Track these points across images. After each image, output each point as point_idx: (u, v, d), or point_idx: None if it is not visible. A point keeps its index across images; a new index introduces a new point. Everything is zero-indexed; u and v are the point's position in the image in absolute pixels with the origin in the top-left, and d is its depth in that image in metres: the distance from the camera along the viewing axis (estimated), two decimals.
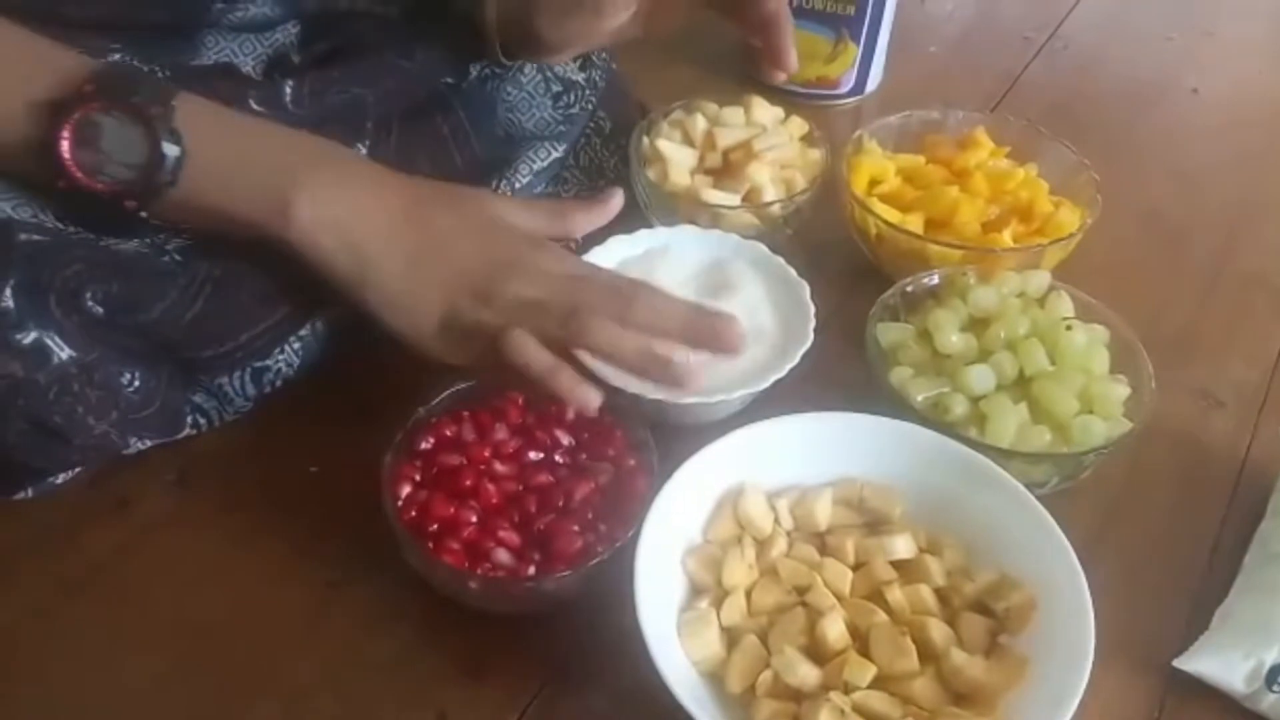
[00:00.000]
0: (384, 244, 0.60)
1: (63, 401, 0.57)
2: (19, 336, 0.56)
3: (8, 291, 0.55)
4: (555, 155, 0.77)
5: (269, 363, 0.64)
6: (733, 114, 0.83)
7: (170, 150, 0.56)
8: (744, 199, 0.78)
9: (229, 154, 0.59)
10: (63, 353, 0.57)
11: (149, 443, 0.63)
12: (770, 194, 0.78)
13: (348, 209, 0.59)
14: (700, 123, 0.81)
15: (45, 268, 0.57)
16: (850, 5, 0.93)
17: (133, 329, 0.60)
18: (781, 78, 0.75)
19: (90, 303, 0.58)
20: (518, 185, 0.74)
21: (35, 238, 0.58)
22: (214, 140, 0.58)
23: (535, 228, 0.64)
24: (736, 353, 0.59)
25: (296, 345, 0.65)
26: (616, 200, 0.67)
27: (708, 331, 0.59)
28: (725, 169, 0.80)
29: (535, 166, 0.75)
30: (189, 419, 0.65)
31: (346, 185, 0.60)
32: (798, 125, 0.84)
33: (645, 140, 0.81)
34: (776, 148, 0.80)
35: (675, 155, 0.79)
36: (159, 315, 0.60)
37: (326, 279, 0.60)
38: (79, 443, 0.59)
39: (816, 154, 0.82)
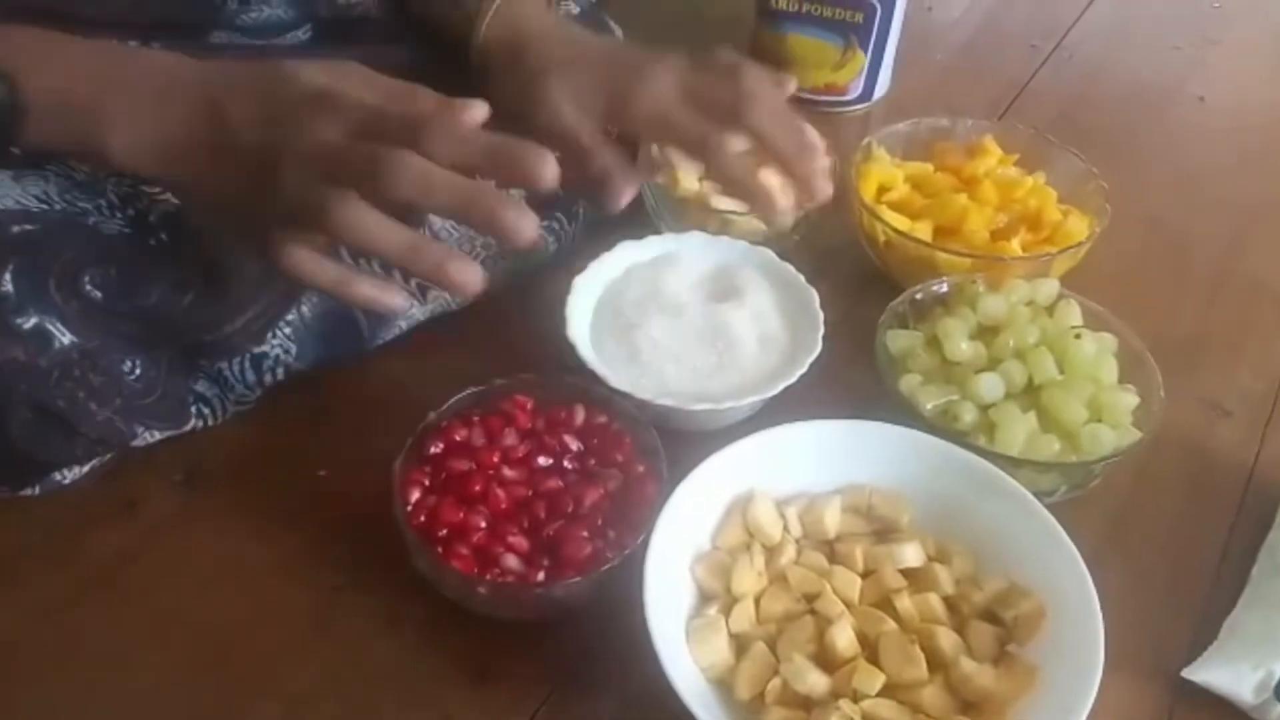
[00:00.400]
0: (191, 160, 0.56)
1: (64, 387, 0.57)
2: (19, 321, 0.56)
3: (7, 276, 0.56)
4: None
5: (266, 349, 0.65)
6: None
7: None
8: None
9: (55, 91, 0.56)
10: (64, 338, 0.58)
11: (156, 434, 0.63)
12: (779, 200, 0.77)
13: (155, 133, 0.56)
14: None
15: (42, 254, 0.58)
16: (859, 13, 0.93)
17: (132, 314, 0.60)
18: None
19: (89, 287, 0.59)
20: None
21: (27, 227, 0.58)
22: (42, 77, 0.55)
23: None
24: (547, 184, 0.51)
25: (288, 330, 0.65)
26: (477, 110, 0.54)
27: (509, 158, 0.52)
28: None
29: None
30: (193, 408, 0.65)
31: (160, 105, 0.56)
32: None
33: (654, 146, 0.81)
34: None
35: (684, 161, 0.79)
36: (156, 300, 0.61)
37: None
38: (84, 431, 0.59)
39: (825, 161, 0.82)
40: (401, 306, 0.55)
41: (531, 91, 0.69)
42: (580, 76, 0.69)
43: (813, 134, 0.71)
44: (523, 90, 0.70)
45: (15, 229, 0.57)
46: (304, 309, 0.66)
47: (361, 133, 0.52)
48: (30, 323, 0.56)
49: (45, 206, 0.60)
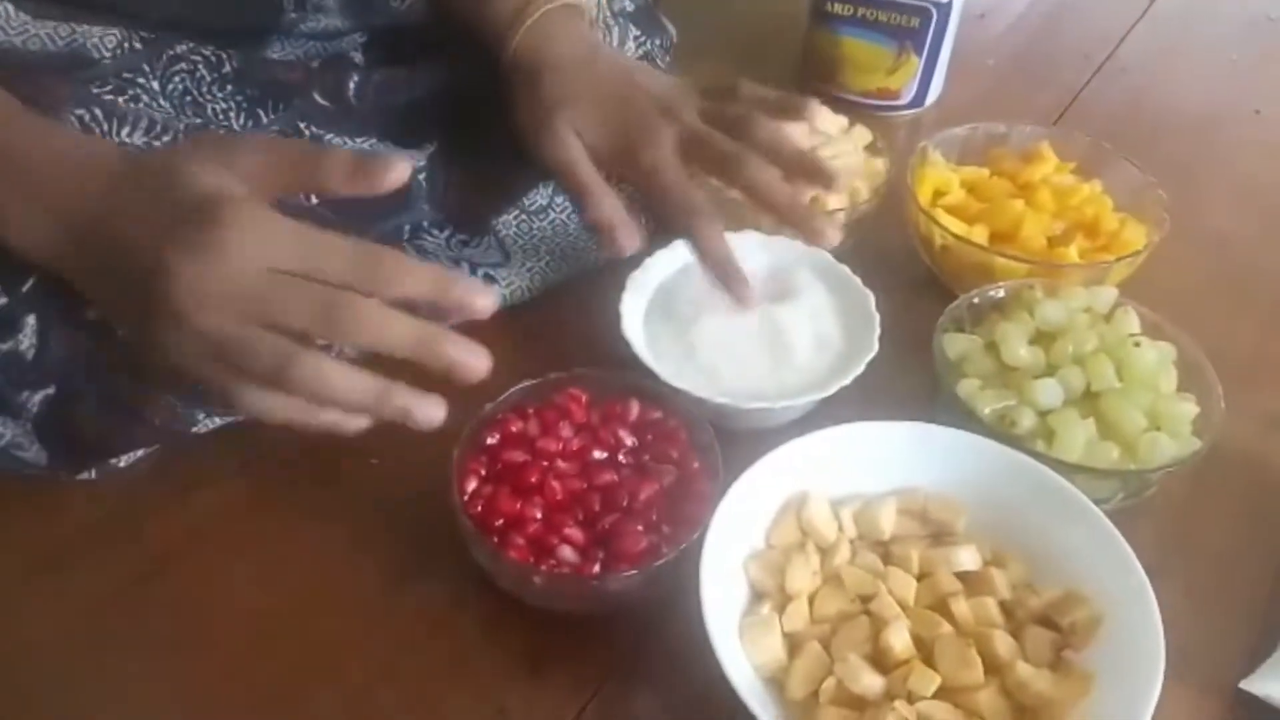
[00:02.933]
0: (102, 304, 0.55)
1: (131, 376, 0.58)
2: (84, 311, 0.57)
3: None
4: None
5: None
6: (796, 123, 0.82)
7: None
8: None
9: None
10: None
11: (216, 420, 0.63)
12: (834, 203, 0.78)
13: (51, 252, 0.53)
14: None
15: None
16: (914, 18, 0.93)
17: None
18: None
19: None
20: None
21: None
22: None
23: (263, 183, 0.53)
24: (484, 313, 0.52)
25: None
26: (395, 173, 0.53)
27: (456, 292, 0.52)
28: None
29: None
30: None
31: (54, 230, 0.53)
32: (861, 134, 0.83)
33: None
34: (841, 156, 0.79)
35: None
36: None
37: None
38: (148, 417, 0.59)
39: (880, 163, 0.82)
40: (441, 418, 0.52)
41: (541, 123, 0.70)
42: (588, 116, 0.70)
43: (822, 167, 0.68)
44: (534, 120, 0.71)
45: None
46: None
47: (304, 268, 0.49)
48: (94, 312, 0.57)
49: None
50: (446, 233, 0.72)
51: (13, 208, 0.52)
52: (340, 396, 0.50)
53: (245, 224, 0.48)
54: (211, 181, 0.50)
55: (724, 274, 0.67)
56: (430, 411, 0.51)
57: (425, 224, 0.71)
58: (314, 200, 0.68)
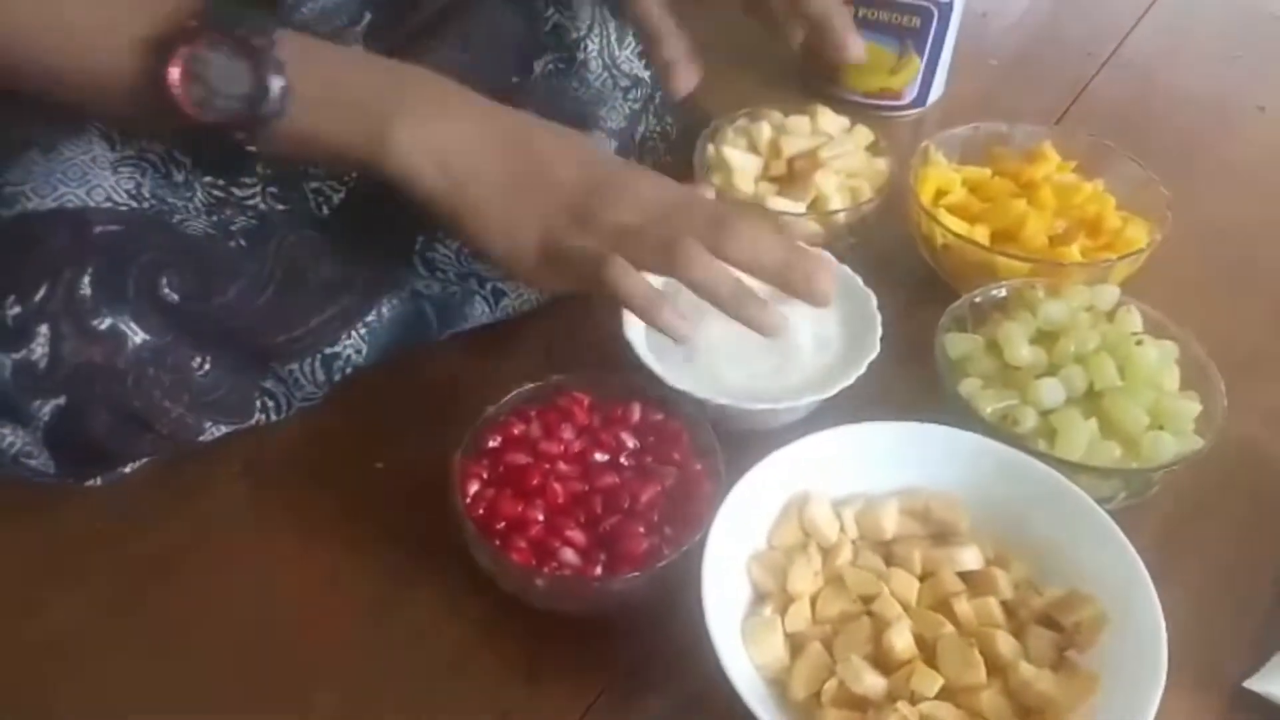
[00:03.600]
0: (482, 171, 0.59)
1: (141, 386, 0.59)
2: (95, 323, 0.58)
3: (86, 280, 0.57)
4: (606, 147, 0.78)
5: (338, 349, 0.65)
6: (798, 122, 0.83)
7: (275, 82, 0.55)
8: (809, 207, 0.77)
9: (330, 84, 0.58)
10: (136, 337, 0.59)
11: (223, 428, 0.64)
12: (836, 202, 0.78)
13: (446, 137, 0.59)
14: (765, 130, 0.81)
15: (121, 256, 0.59)
16: (915, 18, 0.92)
17: (206, 315, 0.61)
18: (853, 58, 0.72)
19: (166, 290, 0.60)
20: None
21: (111, 228, 0.59)
22: (316, 71, 0.57)
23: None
24: (825, 303, 0.59)
25: (363, 330, 0.66)
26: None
27: (801, 275, 0.59)
28: (790, 177, 0.80)
29: None
30: (258, 403, 0.66)
31: (445, 114, 0.60)
32: (863, 134, 0.83)
33: (710, 147, 0.81)
34: (842, 156, 0.79)
35: (740, 163, 0.79)
36: (232, 299, 0.62)
37: (426, 208, 0.60)
38: (158, 428, 0.60)
39: (882, 163, 0.82)
40: (689, 336, 0.60)
41: None
42: None
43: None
44: None
45: (99, 229, 0.58)
46: (384, 310, 0.66)
47: (668, 216, 0.59)
48: (105, 323, 0.58)
49: (134, 204, 0.61)
50: (457, 244, 0.72)
51: (400, 118, 0.58)
52: (626, 293, 0.58)
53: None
54: None
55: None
56: (684, 330, 0.60)
57: (438, 234, 0.71)
58: (325, 212, 0.69)
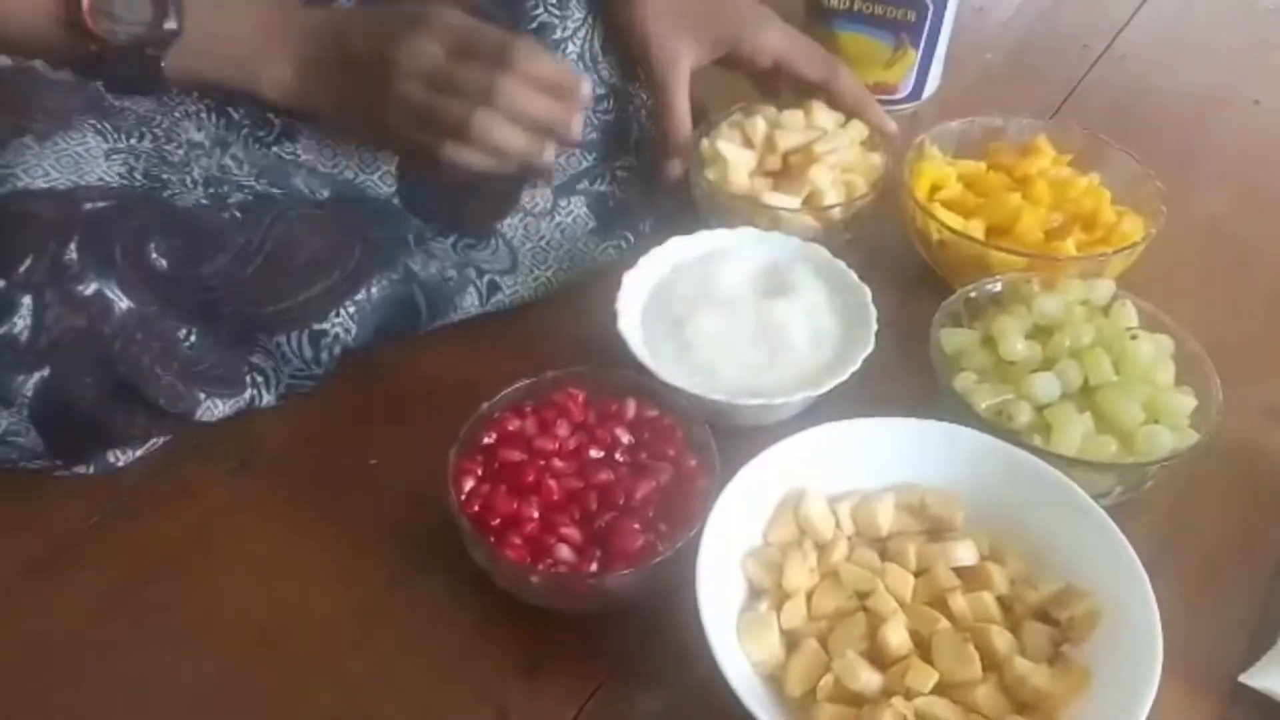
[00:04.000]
0: (336, 111, 0.69)
1: (128, 352, 0.59)
2: (80, 288, 0.58)
3: (72, 246, 0.58)
4: (586, 164, 0.79)
5: (326, 326, 0.65)
6: (792, 117, 0.82)
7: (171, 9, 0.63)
8: (804, 202, 0.77)
9: (213, 27, 0.65)
10: (122, 303, 0.60)
11: (219, 404, 0.63)
12: (831, 197, 0.77)
13: (297, 73, 0.67)
14: (760, 125, 0.81)
15: (109, 228, 0.59)
16: (910, 11, 0.92)
17: (194, 283, 0.62)
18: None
19: (154, 255, 0.61)
20: (557, 181, 0.78)
21: (100, 204, 0.60)
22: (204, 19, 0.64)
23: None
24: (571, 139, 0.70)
25: (352, 309, 0.66)
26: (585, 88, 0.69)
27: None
28: (784, 172, 0.80)
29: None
30: (247, 378, 0.65)
31: (297, 53, 0.67)
32: (858, 129, 0.83)
33: (705, 142, 0.81)
34: (837, 151, 0.79)
35: (735, 157, 0.79)
36: (220, 267, 0.63)
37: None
38: (149, 395, 0.60)
39: (877, 158, 0.82)
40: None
41: (649, 37, 0.78)
42: (693, 28, 0.79)
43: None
44: (642, 33, 0.78)
45: (88, 206, 0.59)
46: (373, 290, 0.67)
47: (459, 50, 0.65)
48: (91, 289, 0.58)
49: (125, 183, 0.62)
50: (453, 238, 0.72)
51: (264, 64, 0.67)
52: (505, 145, 0.66)
53: (439, 15, 0.66)
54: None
55: (866, 107, 0.83)
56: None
57: (429, 234, 0.71)
58: (323, 195, 0.70)
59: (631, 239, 0.79)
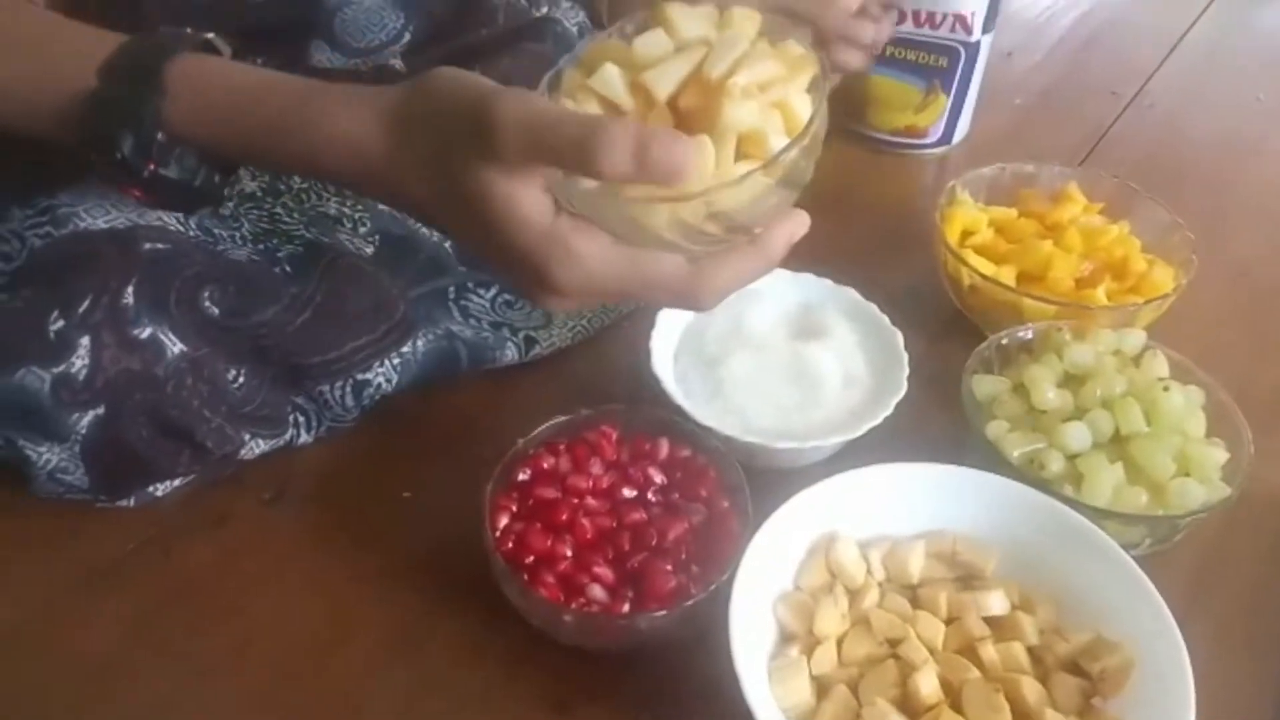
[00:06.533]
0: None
1: (179, 395, 0.60)
2: (136, 331, 0.60)
3: (129, 290, 0.59)
4: None
5: (369, 376, 0.66)
6: (650, 44, 0.51)
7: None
8: (738, 158, 0.49)
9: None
10: (175, 347, 0.61)
11: (261, 444, 0.64)
12: (774, 137, 0.49)
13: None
14: (613, 75, 0.51)
15: (166, 270, 0.61)
16: (943, 57, 0.93)
17: (243, 331, 0.63)
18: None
19: (207, 303, 0.62)
20: None
21: (159, 246, 0.61)
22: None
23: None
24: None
25: (396, 361, 0.67)
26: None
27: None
28: (685, 125, 0.50)
29: None
30: (290, 418, 0.66)
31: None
32: (748, 22, 0.52)
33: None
34: (746, 65, 0.49)
35: None
36: (270, 319, 0.63)
37: None
38: (199, 438, 0.61)
39: (795, 45, 0.53)
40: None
41: None
42: None
43: None
44: None
45: (147, 246, 0.60)
46: (419, 343, 0.67)
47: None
48: (146, 332, 0.60)
49: (181, 229, 0.63)
50: (492, 292, 0.72)
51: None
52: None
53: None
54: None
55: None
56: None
57: (470, 285, 0.72)
58: (369, 251, 0.71)
59: None
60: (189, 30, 0.60)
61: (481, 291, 0.71)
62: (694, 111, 0.51)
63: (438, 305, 0.70)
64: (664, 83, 0.51)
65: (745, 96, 0.49)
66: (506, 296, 0.72)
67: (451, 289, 0.71)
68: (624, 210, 0.50)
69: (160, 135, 0.57)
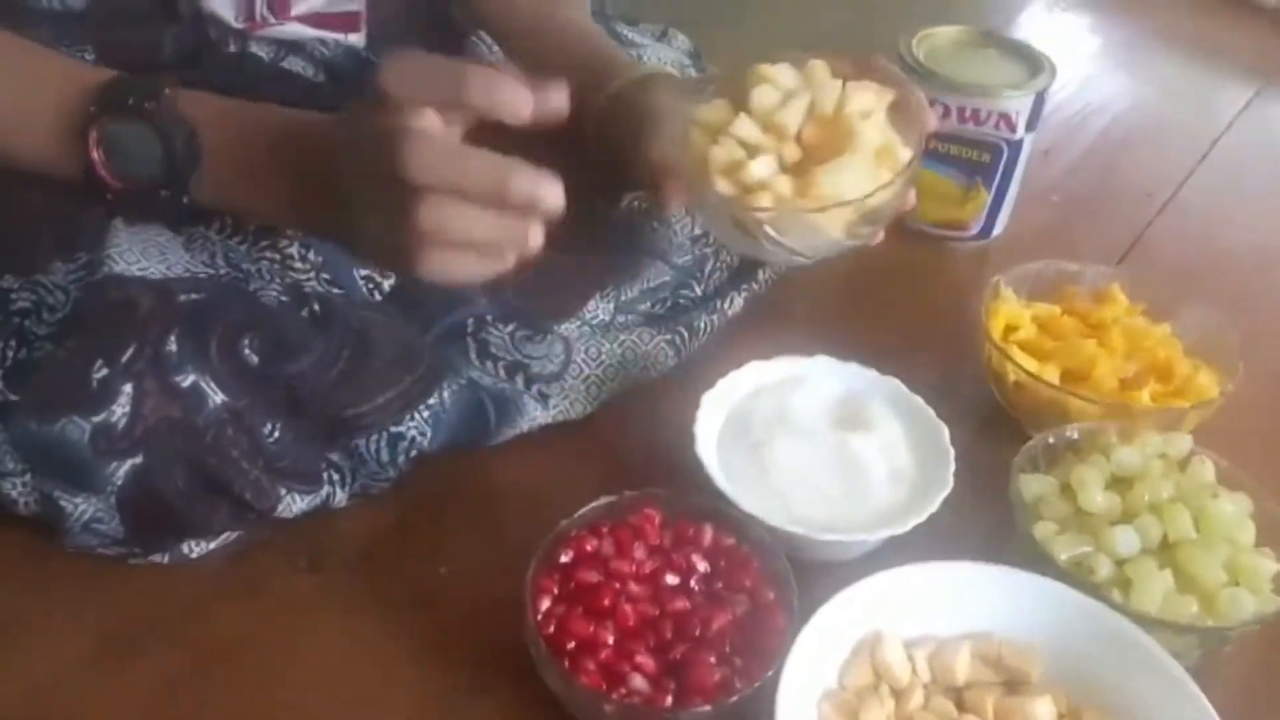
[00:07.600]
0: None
1: (219, 445, 0.60)
2: (178, 379, 0.59)
3: (172, 338, 0.59)
4: (663, 278, 0.79)
5: (403, 429, 0.65)
6: (763, 94, 0.65)
7: (179, 135, 0.60)
8: (878, 166, 0.64)
9: (231, 144, 0.62)
10: (216, 397, 0.60)
11: (299, 500, 0.64)
12: (901, 152, 0.65)
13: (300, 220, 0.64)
14: (746, 123, 0.65)
15: (205, 319, 0.61)
16: (986, 154, 0.94)
17: (282, 381, 0.63)
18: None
19: (247, 350, 0.62)
20: (624, 297, 0.77)
21: (194, 296, 0.61)
22: (216, 128, 0.62)
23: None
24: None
25: (426, 414, 0.66)
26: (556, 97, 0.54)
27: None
28: (813, 153, 0.64)
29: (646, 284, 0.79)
30: (324, 474, 0.66)
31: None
32: (821, 69, 0.67)
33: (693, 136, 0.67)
34: (852, 97, 0.65)
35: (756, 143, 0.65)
36: (306, 368, 0.63)
37: None
38: (236, 489, 0.60)
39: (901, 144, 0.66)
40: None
41: (653, 128, 0.74)
42: None
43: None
44: (639, 130, 0.75)
45: (183, 297, 0.61)
46: (445, 394, 0.67)
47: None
48: (188, 380, 0.60)
49: (211, 271, 0.64)
50: (511, 327, 0.72)
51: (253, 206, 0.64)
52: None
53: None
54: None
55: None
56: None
57: (489, 318, 0.72)
58: (378, 298, 0.71)
59: (688, 338, 0.78)
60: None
61: (500, 325, 0.71)
62: (817, 140, 0.64)
63: (456, 346, 0.70)
64: (792, 120, 0.64)
65: (863, 120, 0.63)
66: (525, 331, 0.72)
67: (470, 321, 0.71)
68: (807, 220, 0.63)
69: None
